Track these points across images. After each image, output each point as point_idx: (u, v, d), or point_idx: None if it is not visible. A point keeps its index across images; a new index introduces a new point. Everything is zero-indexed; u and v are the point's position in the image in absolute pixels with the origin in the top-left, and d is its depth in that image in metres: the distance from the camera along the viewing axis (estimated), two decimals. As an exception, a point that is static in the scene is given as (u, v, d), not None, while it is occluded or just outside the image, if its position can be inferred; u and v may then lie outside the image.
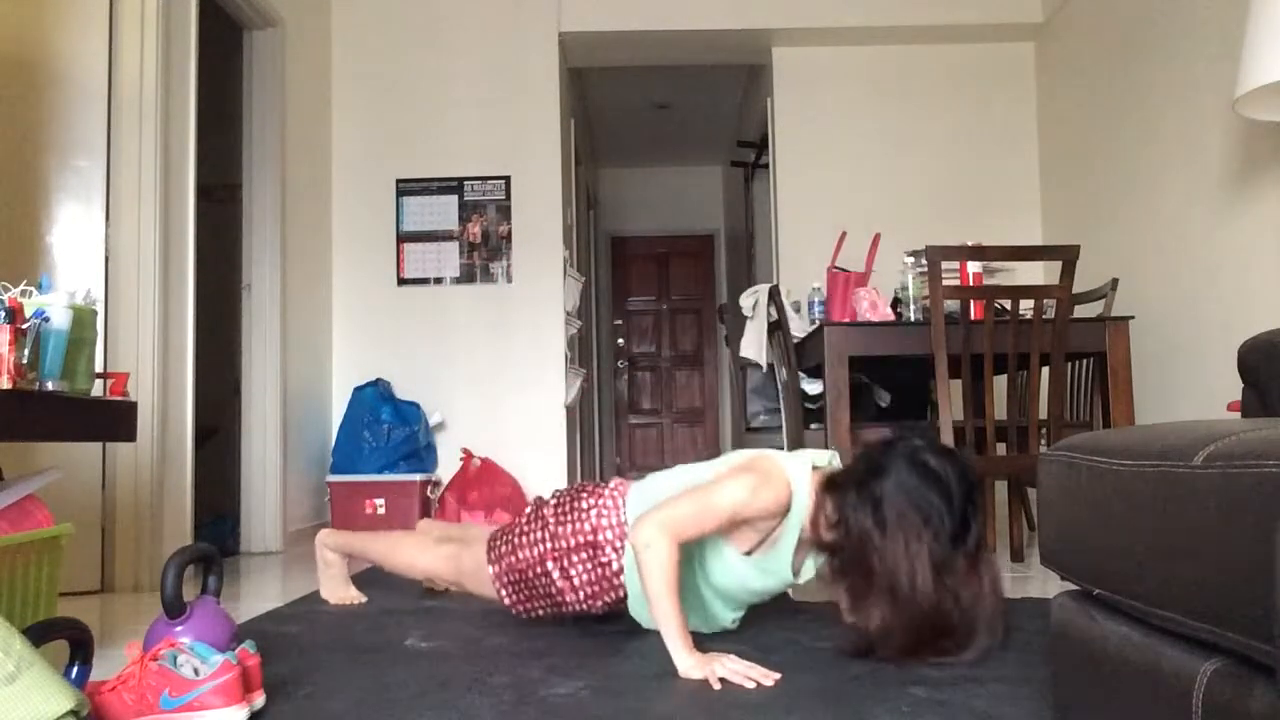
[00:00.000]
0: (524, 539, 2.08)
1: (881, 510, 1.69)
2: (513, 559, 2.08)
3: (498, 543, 2.14)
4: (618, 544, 1.99)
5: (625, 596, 2.02)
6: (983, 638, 1.73)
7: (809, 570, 1.95)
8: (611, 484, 2.09)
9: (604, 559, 2.00)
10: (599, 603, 2.04)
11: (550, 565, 2.03)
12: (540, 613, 2.12)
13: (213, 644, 1.58)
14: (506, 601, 2.13)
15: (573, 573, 2.02)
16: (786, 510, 1.85)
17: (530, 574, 2.06)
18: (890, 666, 1.72)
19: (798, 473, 1.85)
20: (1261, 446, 0.84)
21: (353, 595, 2.52)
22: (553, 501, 2.11)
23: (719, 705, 1.52)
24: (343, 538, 2.53)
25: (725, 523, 1.81)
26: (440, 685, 1.66)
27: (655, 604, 1.71)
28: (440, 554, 2.29)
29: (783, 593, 2.07)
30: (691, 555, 1.93)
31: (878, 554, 1.67)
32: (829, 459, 1.92)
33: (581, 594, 2.03)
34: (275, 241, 4.14)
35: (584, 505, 2.05)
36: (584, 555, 2.01)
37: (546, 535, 2.04)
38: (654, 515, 1.76)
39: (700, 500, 1.79)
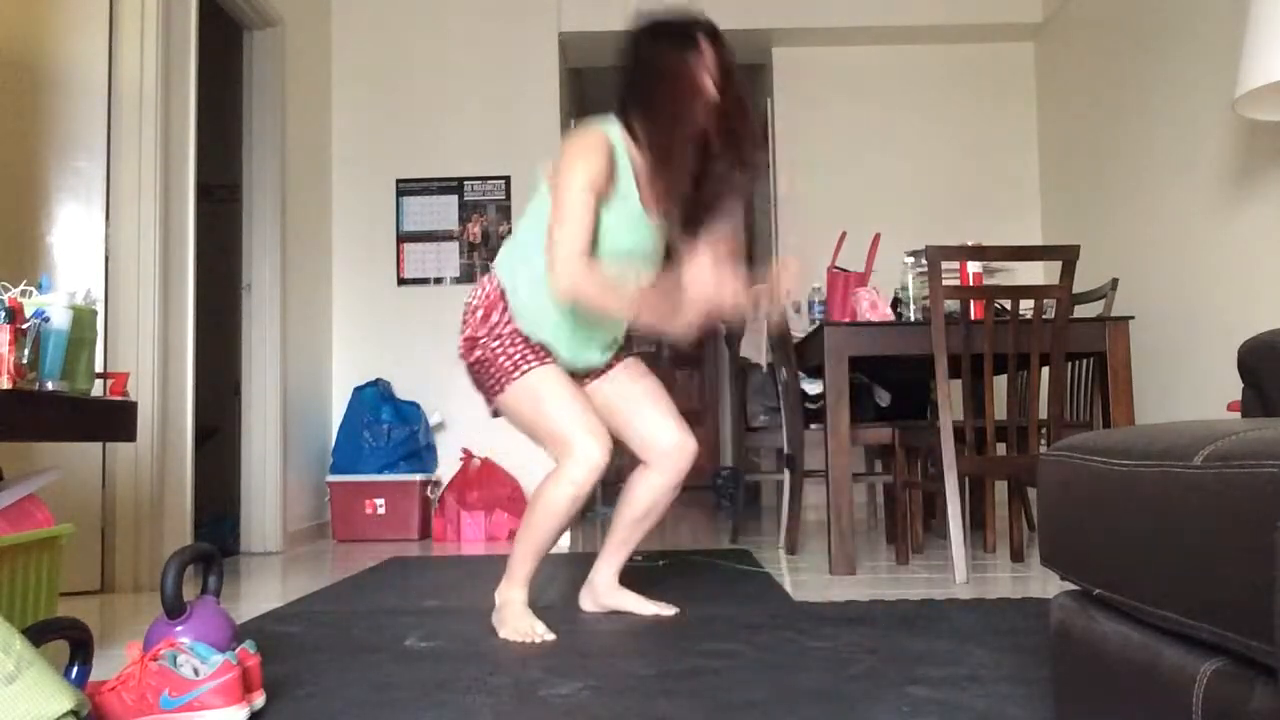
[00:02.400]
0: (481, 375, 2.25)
1: (636, 77, 2.18)
2: (488, 377, 2.22)
3: (486, 394, 2.27)
4: (500, 303, 2.21)
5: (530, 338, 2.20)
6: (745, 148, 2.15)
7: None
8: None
9: (497, 327, 2.21)
10: (530, 357, 2.18)
11: (495, 360, 2.20)
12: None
13: (213, 644, 1.58)
14: (509, 374, 2.19)
15: (496, 354, 2.20)
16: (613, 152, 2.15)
17: (501, 374, 2.20)
18: (890, 667, 1.72)
19: (610, 126, 2.19)
20: (1261, 446, 0.84)
21: (538, 627, 2.08)
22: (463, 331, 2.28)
23: (719, 705, 1.52)
24: (510, 573, 2.19)
25: (594, 204, 2.05)
26: (440, 685, 1.66)
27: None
28: (540, 485, 2.15)
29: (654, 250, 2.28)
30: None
31: (649, 94, 2.14)
32: None
33: (513, 360, 2.18)
34: (275, 241, 4.14)
35: (470, 304, 2.26)
36: (487, 340, 2.20)
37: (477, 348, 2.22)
38: (548, 261, 2.02)
39: (561, 212, 2.03)
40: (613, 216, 2.14)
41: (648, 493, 2.28)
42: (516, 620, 2.09)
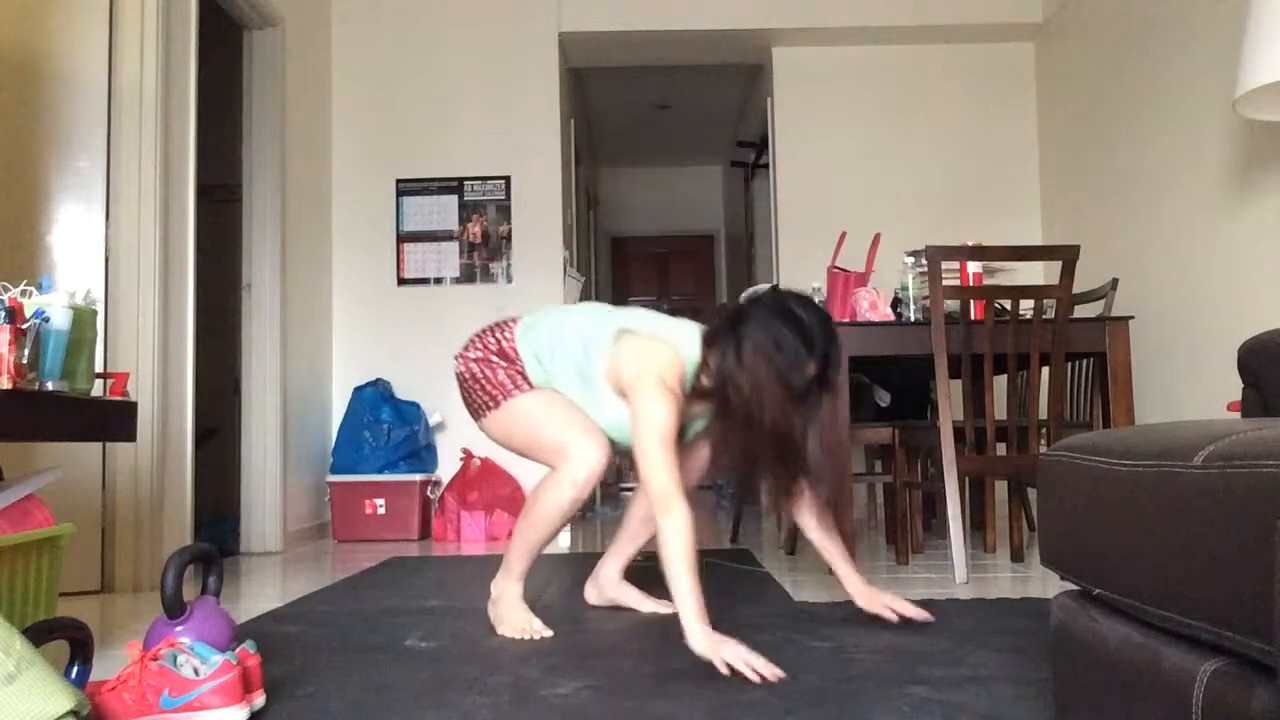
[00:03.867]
0: (477, 393, 2.21)
1: (742, 348, 1.90)
2: (481, 397, 2.19)
3: (478, 413, 2.23)
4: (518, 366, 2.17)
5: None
6: (833, 480, 2.02)
7: (697, 426, 2.20)
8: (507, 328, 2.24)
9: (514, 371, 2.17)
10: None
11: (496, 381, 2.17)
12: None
13: (213, 644, 1.58)
14: (508, 392, 2.16)
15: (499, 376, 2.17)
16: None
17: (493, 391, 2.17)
18: (890, 666, 1.72)
19: (687, 345, 2.03)
20: (1261, 446, 0.84)
21: (535, 623, 2.12)
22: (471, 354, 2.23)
23: (719, 705, 1.52)
24: (507, 566, 2.20)
25: (675, 431, 1.95)
26: (440, 685, 1.66)
27: (673, 574, 1.80)
28: (537, 486, 2.16)
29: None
30: (593, 405, 2.11)
31: (735, 386, 1.89)
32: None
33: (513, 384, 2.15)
34: (275, 241, 4.14)
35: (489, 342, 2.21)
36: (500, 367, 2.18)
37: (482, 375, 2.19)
38: (657, 487, 1.87)
39: (653, 444, 1.91)
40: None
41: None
42: (513, 615, 2.13)
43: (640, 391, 1.95)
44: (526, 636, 2.06)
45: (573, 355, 2.11)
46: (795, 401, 1.89)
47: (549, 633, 2.08)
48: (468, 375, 2.20)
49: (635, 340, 2.03)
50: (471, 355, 2.20)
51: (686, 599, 1.77)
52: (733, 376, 1.90)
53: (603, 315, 2.15)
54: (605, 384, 2.08)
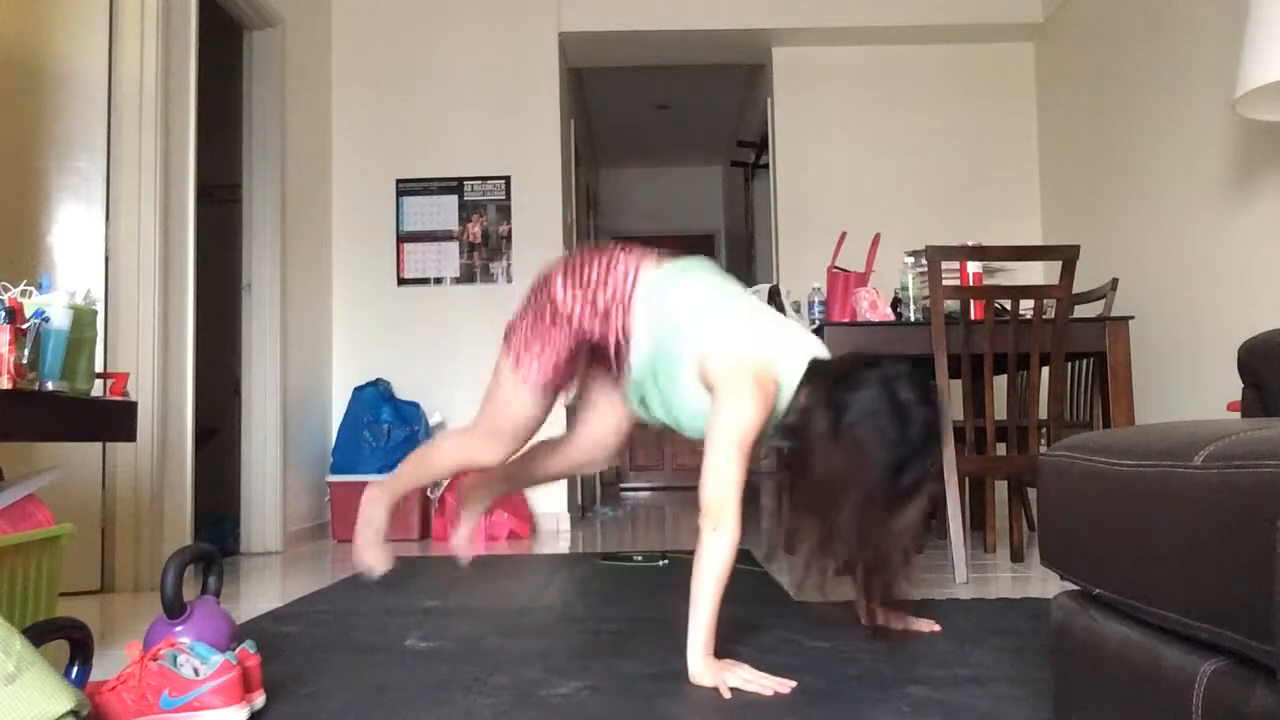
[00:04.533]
0: (531, 304, 2.03)
1: (840, 420, 1.73)
2: (523, 324, 2.02)
3: (511, 332, 2.06)
4: (625, 314, 1.94)
5: (628, 332, 1.94)
6: (878, 595, 1.85)
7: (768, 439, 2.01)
8: (623, 260, 1.98)
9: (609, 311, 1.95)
10: (598, 327, 1.95)
11: (559, 292, 1.97)
12: (557, 366, 2.01)
13: (213, 644, 1.58)
14: (526, 375, 2.02)
15: (576, 295, 1.96)
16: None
17: (542, 319, 1.98)
18: (890, 666, 1.72)
19: (790, 376, 1.85)
20: (1261, 446, 0.84)
21: (381, 560, 2.33)
22: (558, 278, 2.00)
23: (719, 705, 1.52)
24: (388, 482, 2.37)
25: (752, 444, 1.81)
26: (440, 685, 1.66)
27: (700, 596, 1.70)
28: (462, 428, 2.24)
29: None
30: (670, 408, 1.95)
31: (820, 458, 1.74)
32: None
33: (586, 310, 1.95)
34: (275, 241, 4.14)
35: (592, 278, 1.96)
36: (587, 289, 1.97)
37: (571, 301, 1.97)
38: (716, 497, 1.73)
39: (727, 448, 1.76)
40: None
41: (561, 462, 2.35)
42: (366, 545, 2.34)
43: (733, 390, 1.80)
44: (367, 570, 2.31)
45: (680, 329, 1.91)
46: (876, 505, 1.73)
47: (390, 566, 2.34)
48: (535, 318, 2.00)
49: (737, 341, 1.87)
50: (571, 304, 1.96)
51: (701, 628, 1.68)
52: (822, 450, 1.75)
53: (719, 300, 1.94)
54: (692, 371, 1.90)
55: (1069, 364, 3.68)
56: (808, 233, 5.05)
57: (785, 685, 1.60)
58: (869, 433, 1.71)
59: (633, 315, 1.94)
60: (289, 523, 4.18)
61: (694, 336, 1.89)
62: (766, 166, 5.82)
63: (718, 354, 1.85)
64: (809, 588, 1.83)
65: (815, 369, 1.85)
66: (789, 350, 1.88)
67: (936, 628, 2.06)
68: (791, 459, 1.82)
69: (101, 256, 3.02)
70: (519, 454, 2.32)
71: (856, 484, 1.71)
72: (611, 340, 1.96)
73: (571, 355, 2.02)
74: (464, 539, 2.61)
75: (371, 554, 2.32)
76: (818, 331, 3.23)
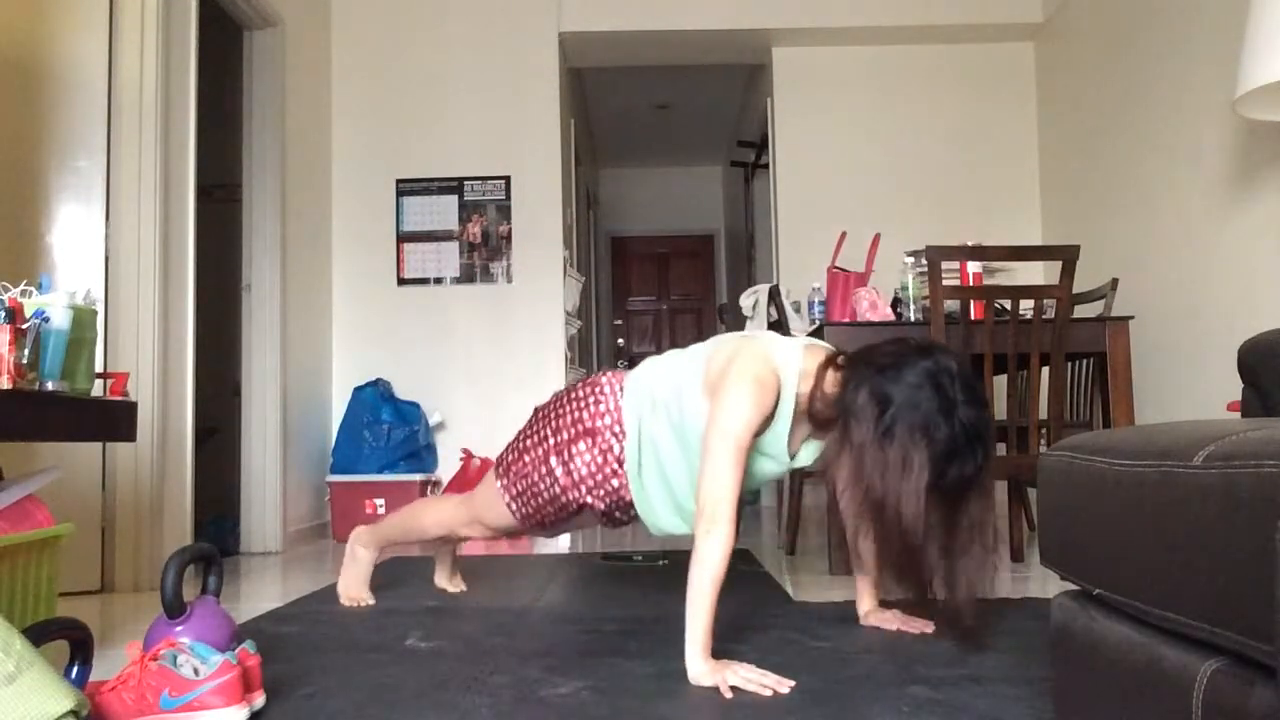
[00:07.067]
0: (527, 442, 2.15)
1: (886, 413, 1.67)
2: (518, 465, 2.14)
3: (504, 456, 2.21)
4: (616, 428, 2.03)
5: (628, 491, 2.04)
6: (963, 590, 1.75)
7: (809, 453, 1.98)
8: (605, 375, 2.13)
9: (604, 445, 2.03)
10: (603, 494, 2.06)
11: (553, 461, 2.08)
12: (549, 519, 2.16)
13: (213, 644, 1.58)
14: (517, 516, 2.18)
15: (574, 465, 2.05)
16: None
17: (535, 475, 2.11)
18: (890, 666, 1.72)
19: (788, 365, 1.84)
20: (1261, 446, 0.84)
21: (366, 596, 2.53)
22: (550, 402, 2.18)
23: (719, 705, 1.52)
24: (375, 530, 2.54)
25: (750, 440, 1.78)
26: (440, 685, 1.66)
27: (695, 597, 1.68)
28: (454, 501, 2.39)
29: (778, 476, 2.06)
30: (688, 448, 1.95)
31: (871, 462, 1.67)
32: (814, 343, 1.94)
33: (584, 487, 2.06)
34: (275, 241, 4.14)
35: (579, 395, 2.10)
36: (583, 445, 2.05)
37: (547, 432, 2.11)
38: (711, 497, 1.71)
39: (723, 444, 1.74)
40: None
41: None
42: (354, 586, 2.51)
43: (731, 385, 1.78)
44: (352, 605, 2.46)
45: (667, 405, 1.97)
46: (933, 503, 1.67)
47: (372, 601, 2.49)
48: (534, 466, 2.12)
49: (734, 342, 1.91)
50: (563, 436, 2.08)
51: (698, 630, 1.66)
52: (864, 435, 1.69)
53: (697, 349, 2.02)
54: (699, 390, 1.91)
55: (1069, 364, 3.68)
56: (808, 233, 5.05)
57: (785, 685, 1.60)
58: (913, 428, 1.66)
59: (624, 413, 2.03)
60: (289, 523, 4.18)
61: (688, 366, 1.96)
62: (766, 166, 5.82)
63: (716, 357, 1.90)
64: (903, 590, 1.82)
65: (856, 353, 1.81)
66: (779, 341, 1.90)
67: (930, 628, 2.05)
68: (838, 459, 1.76)
69: (101, 256, 3.02)
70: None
71: (909, 481, 1.65)
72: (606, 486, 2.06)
73: (557, 520, 2.17)
74: (445, 580, 2.75)
75: (357, 591, 2.53)
76: (817, 332, 3.23)
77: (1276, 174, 3.21)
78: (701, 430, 1.88)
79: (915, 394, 1.67)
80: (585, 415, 2.06)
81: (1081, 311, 3.85)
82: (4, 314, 1.60)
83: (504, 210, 4.89)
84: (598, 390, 2.08)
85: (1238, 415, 1.79)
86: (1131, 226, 4.17)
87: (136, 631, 2.28)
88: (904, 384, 1.69)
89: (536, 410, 2.21)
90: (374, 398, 4.55)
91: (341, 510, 4.45)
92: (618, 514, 2.12)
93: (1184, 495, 0.91)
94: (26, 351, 1.64)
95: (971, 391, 1.70)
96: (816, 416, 1.84)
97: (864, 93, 5.22)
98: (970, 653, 1.82)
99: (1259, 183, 3.31)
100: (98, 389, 1.99)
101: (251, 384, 4.10)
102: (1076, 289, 3.82)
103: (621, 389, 2.06)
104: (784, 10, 5.02)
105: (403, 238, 4.89)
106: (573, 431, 2.06)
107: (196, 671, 1.44)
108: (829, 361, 1.85)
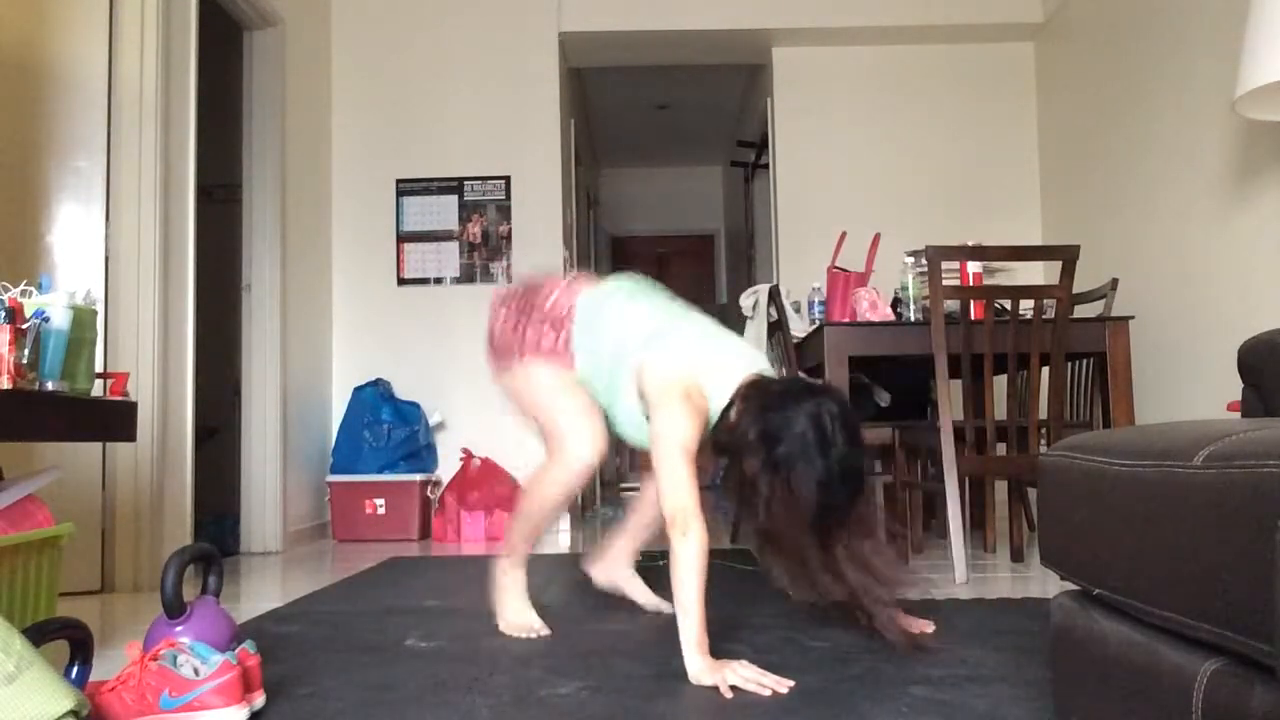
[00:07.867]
0: (508, 325, 2.21)
1: (773, 450, 1.79)
2: (518, 336, 2.17)
3: (512, 348, 2.20)
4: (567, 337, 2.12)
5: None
6: (879, 617, 1.87)
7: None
8: (565, 282, 2.20)
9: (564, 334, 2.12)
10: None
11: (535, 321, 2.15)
12: (567, 334, 2.14)
13: (213, 644, 1.58)
14: (560, 344, 2.14)
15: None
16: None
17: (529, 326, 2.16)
18: (890, 666, 1.72)
19: (719, 389, 1.93)
20: (1261, 446, 0.84)
21: (535, 621, 2.16)
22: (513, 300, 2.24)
23: (718, 705, 1.52)
24: (508, 544, 2.25)
25: (696, 446, 1.88)
26: (440, 685, 1.66)
27: (682, 600, 1.73)
28: (542, 464, 2.19)
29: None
30: (612, 409, 2.07)
31: (762, 488, 1.80)
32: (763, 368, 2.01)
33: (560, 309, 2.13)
34: (275, 241, 4.14)
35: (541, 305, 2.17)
36: (547, 326, 2.14)
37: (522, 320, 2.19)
38: (675, 504, 1.79)
39: (671, 455, 1.84)
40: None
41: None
42: (512, 612, 2.17)
43: (664, 404, 1.89)
44: (524, 635, 2.10)
45: (616, 342, 2.06)
46: (818, 527, 1.81)
47: (547, 631, 2.11)
48: (502, 330, 2.21)
49: (667, 355, 1.96)
50: (512, 315, 2.18)
51: (690, 628, 1.70)
52: (760, 482, 1.80)
53: (658, 316, 2.07)
54: (630, 384, 2.02)
55: (1069, 364, 3.67)
56: (808, 233, 5.05)
57: (785, 685, 1.60)
58: (794, 463, 1.78)
59: (572, 332, 2.10)
60: (289, 523, 4.18)
61: (629, 353, 2.01)
62: (766, 166, 5.82)
63: (650, 369, 1.96)
64: (797, 591, 1.91)
65: (754, 385, 1.91)
66: (720, 363, 1.96)
67: (930, 627, 2.06)
68: (732, 481, 1.90)
69: (101, 256, 3.02)
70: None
71: (793, 510, 1.78)
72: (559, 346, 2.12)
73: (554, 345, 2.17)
74: (619, 567, 2.51)
75: (523, 618, 2.17)
76: (817, 331, 3.23)
77: (1276, 174, 3.21)
78: (623, 391, 2.02)
79: (799, 434, 1.78)
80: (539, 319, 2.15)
81: (1081, 311, 3.85)
82: (4, 314, 1.60)
83: (504, 210, 4.89)
84: (556, 316, 2.14)
85: (1238, 415, 1.79)
86: (1131, 226, 4.17)
87: (136, 631, 2.28)
88: (790, 423, 1.80)
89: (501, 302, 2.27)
90: (374, 398, 4.55)
91: (341, 510, 4.45)
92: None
93: (1184, 495, 0.91)
94: (26, 351, 1.64)
95: (850, 432, 1.82)
96: (717, 439, 1.95)
97: (864, 93, 5.22)
98: (968, 652, 1.82)
99: (1259, 183, 3.31)
100: (98, 389, 1.99)
101: (251, 384, 4.10)
102: (1076, 289, 3.81)
103: (575, 303, 2.13)
104: (784, 10, 5.02)
105: (403, 238, 4.89)
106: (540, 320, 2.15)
107: (196, 671, 1.44)
108: (743, 391, 1.92)
